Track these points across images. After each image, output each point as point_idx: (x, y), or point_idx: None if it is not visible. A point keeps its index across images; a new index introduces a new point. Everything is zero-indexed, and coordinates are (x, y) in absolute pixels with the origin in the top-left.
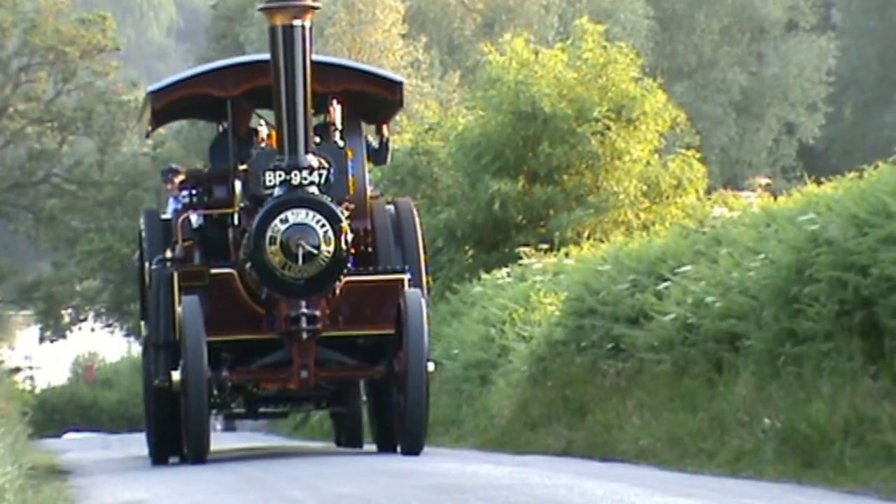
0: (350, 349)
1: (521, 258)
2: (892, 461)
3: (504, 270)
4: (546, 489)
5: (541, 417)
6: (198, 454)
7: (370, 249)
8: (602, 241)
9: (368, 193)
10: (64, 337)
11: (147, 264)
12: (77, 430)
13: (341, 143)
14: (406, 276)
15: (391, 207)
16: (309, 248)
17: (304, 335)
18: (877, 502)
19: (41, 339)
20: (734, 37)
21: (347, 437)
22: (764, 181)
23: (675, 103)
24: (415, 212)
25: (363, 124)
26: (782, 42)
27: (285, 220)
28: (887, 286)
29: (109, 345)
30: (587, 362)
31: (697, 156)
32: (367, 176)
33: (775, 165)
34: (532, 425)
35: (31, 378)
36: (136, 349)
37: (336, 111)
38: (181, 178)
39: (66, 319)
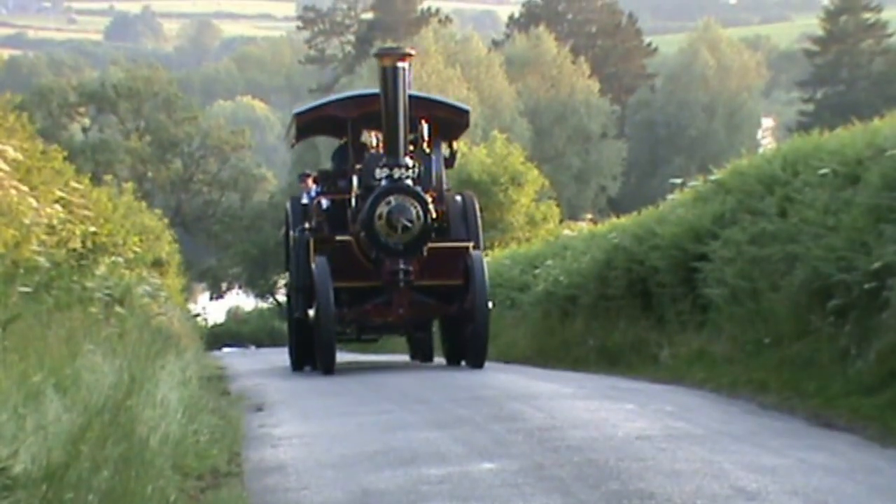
0: (432, 293)
1: None
2: (658, 366)
3: None
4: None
5: None
6: (327, 368)
7: (445, 225)
8: (505, 248)
9: (444, 186)
10: (222, 297)
11: (291, 233)
12: (229, 346)
13: (427, 151)
14: (471, 244)
15: (459, 197)
16: (406, 222)
17: (402, 284)
18: (648, 383)
19: (210, 298)
20: (574, 139)
21: (422, 355)
22: (589, 216)
23: (543, 175)
24: (475, 201)
25: (440, 140)
26: (597, 142)
27: (389, 203)
28: (653, 271)
29: (246, 302)
30: (496, 311)
31: (555, 202)
32: (444, 174)
33: (595, 208)
34: None
35: (205, 319)
36: (262, 304)
37: (423, 128)
38: (311, 179)
39: (223, 288)
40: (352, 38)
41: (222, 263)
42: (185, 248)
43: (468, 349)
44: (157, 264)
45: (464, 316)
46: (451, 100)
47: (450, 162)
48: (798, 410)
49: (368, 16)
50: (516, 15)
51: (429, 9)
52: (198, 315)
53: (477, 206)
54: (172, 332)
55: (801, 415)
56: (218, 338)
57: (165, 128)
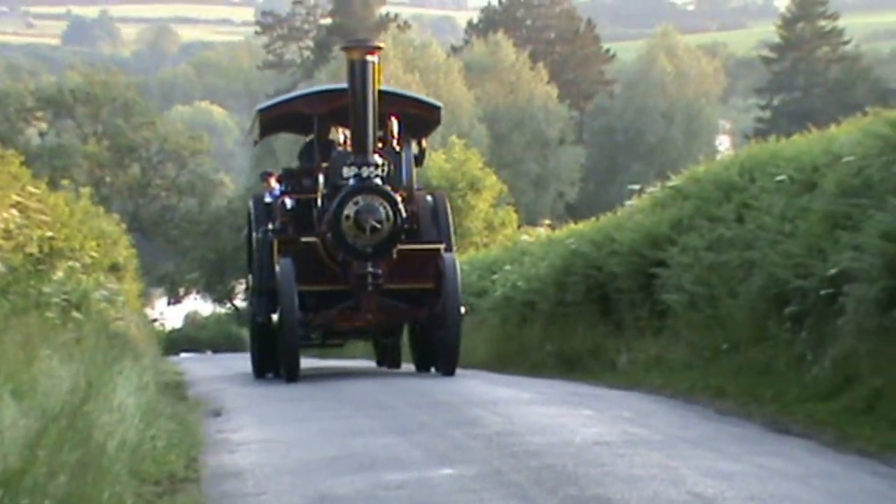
0: (402, 297)
1: None
2: (616, 371)
3: None
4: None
5: None
6: (291, 375)
7: (415, 226)
8: (463, 253)
9: (414, 186)
10: (180, 302)
11: (254, 234)
12: (187, 351)
13: (397, 149)
14: (442, 246)
15: (430, 197)
16: (374, 223)
17: (370, 287)
18: (604, 389)
19: (168, 304)
20: (532, 145)
21: (390, 361)
22: (547, 222)
23: (501, 180)
24: (447, 200)
25: (410, 137)
26: (555, 148)
27: (357, 203)
28: (612, 277)
29: (204, 307)
30: None
31: (513, 208)
32: (413, 173)
33: (553, 214)
34: None
35: (163, 324)
36: (220, 310)
37: (393, 125)
38: (273, 177)
39: (181, 293)
40: (310, 43)
41: (180, 268)
42: (143, 253)
43: (439, 356)
44: (115, 269)
45: (435, 321)
46: (422, 95)
47: (419, 160)
48: (755, 416)
49: (327, 21)
50: (475, 21)
51: (388, 14)
52: (155, 320)
53: (448, 207)
54: (130, 338)
55: (758, 420)
56: (175, 343)
57: (123, 133)
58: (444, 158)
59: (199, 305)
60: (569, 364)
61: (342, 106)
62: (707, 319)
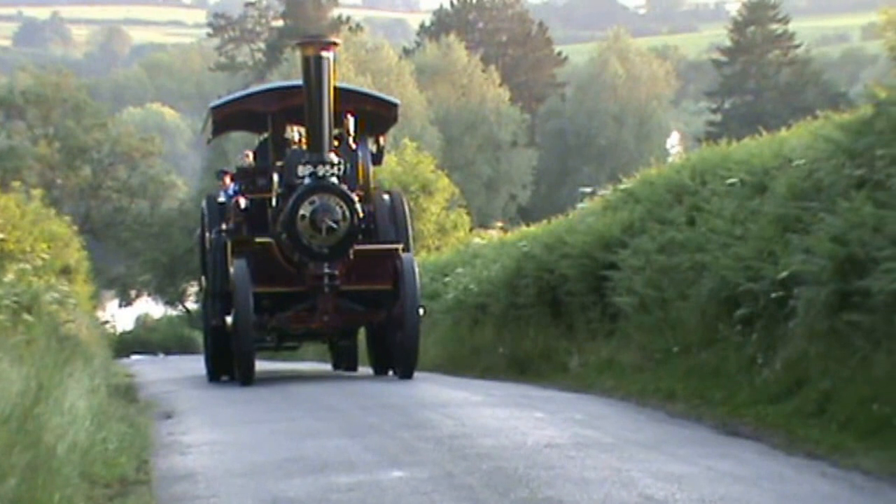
0: (359, 299)
1: None
2: (568, 374)
3: None
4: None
5: None
6: (246, 378)
7: (372, 226)
8: (416, 256)
9: (371, 185)
10: (131, 305)
11: (207, 234)
12: (138, 353)
13: (353, 146)
14: (400, 246)
15: (387, 196)
16: (331, 223)
17: (326, 289)
18: (558, 392)
19: (119, 306)
20: (484, 147)
21: (347, 364)
22: (499, 225)
23: (454, 183)
24: (404, 199)
25: (367, 135)
26: (508, 151)
27: (313, 202)
28: (563, 279)
29: (155, 309)
30: None
31: (465, 211)
32: (371, 171)
33: (505, 217)
34: None
35: (114, 326)
36: (171, 312)
37: (349, 122)
38: (229, 176)
39: (132, 296)
40: (262, 45)
41: (131, 271)
42: (94, 256)
43: (397, 358)
44: (66, 271)
45: (392, 323)
46: (378, 92)
47: (377, 158)
48: (705, 419)
49: (279, 23)
50: (427, 23)
51: (340, 16)
52: (106, 322)
53: (406, 206)
54: (81, 340)
55: (709, 423)
56: (127, 345)
57: (74, 134)
58: (395, 161)
59: (151, 308)
60: (520, 366)
61: (297, 103)
62: (658, 322)
